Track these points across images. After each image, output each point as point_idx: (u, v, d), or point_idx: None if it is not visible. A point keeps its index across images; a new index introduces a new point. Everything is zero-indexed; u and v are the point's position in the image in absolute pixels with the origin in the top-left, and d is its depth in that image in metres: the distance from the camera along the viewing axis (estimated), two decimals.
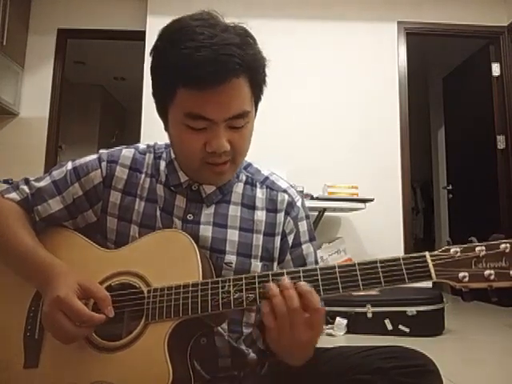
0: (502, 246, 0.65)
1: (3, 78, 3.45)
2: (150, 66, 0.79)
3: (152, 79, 0.80)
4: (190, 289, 0.72)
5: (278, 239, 0.88)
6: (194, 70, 0.70)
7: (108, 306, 0.72)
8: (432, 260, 0.67)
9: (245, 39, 0.75)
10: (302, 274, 0.70)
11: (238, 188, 0.89)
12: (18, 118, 3.70)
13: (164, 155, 0.90)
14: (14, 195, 0.86)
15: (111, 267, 0.79)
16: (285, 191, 0.91)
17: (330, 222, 3.49)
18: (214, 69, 0.70)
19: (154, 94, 0.80)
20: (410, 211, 3.77)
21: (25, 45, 3.75)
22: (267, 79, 0.80)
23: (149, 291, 0.75)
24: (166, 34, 0.77)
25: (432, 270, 0.66)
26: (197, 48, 0.70)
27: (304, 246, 0.90)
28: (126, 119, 6.93)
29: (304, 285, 0.67)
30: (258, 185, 0.91)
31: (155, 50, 0.78)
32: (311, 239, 0.91)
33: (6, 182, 2.88)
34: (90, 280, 0.75)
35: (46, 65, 3.79)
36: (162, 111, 0.80)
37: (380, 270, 0.68)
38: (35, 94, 3.74)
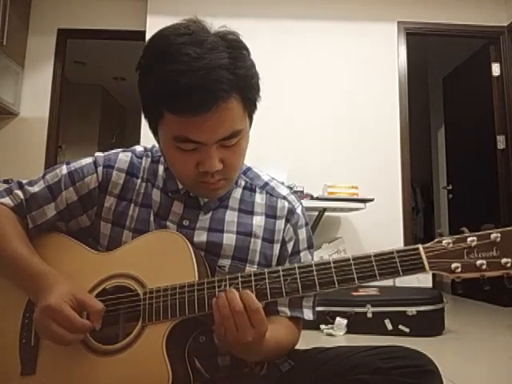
0: (493, 235, 0.66)
1: (3, 77, 3.44)
2: (137, 82, 0.75)
3: (140, 96, 0.76)
4: (186, 289, 0.72)
5: (277, 246, 0.87)
6: (179, 97, 0.67)
7: (99, 318, 0.72)
8: (425, 252, 0.68)
9: (235, 54, 0.70)
10: (297, 271, 0.70)
11: (236, 193, 0.88)
12: (18, 118, 3.70)
13: (162, 159, 0.88)
14: (7, 200, 0.84)
15: (105, 270, 0.78)
16: (285, 198, 0.90)
17: (329, 221, 3.48)
18: (200, 97, 0.66)
19: (143, 111, 0.77)
20: (409, 211, 3.76)
21: (25, 45, 3.75)
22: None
23: (144, 293, 0.74)
24: (149, 52, 0.73)
25: (425, 262, 0.67)
26: (181, 73, 0.66)
27: (302, 254, 0.89)
28: (126, 119, 6.94)
29: (244, 290, 0.69)
30: (258, 190, 0.90)
31: (140, 69, 0.74)
32: (309, 247, 0.91)
33: (6, 181, 2.88)
34: (84, 293, 0.74)
35: (45, 65, 3.78)
36: (153, 129, 0.78)
37: (374, 263, 0.69)
38: (35, 93, 3.73)
